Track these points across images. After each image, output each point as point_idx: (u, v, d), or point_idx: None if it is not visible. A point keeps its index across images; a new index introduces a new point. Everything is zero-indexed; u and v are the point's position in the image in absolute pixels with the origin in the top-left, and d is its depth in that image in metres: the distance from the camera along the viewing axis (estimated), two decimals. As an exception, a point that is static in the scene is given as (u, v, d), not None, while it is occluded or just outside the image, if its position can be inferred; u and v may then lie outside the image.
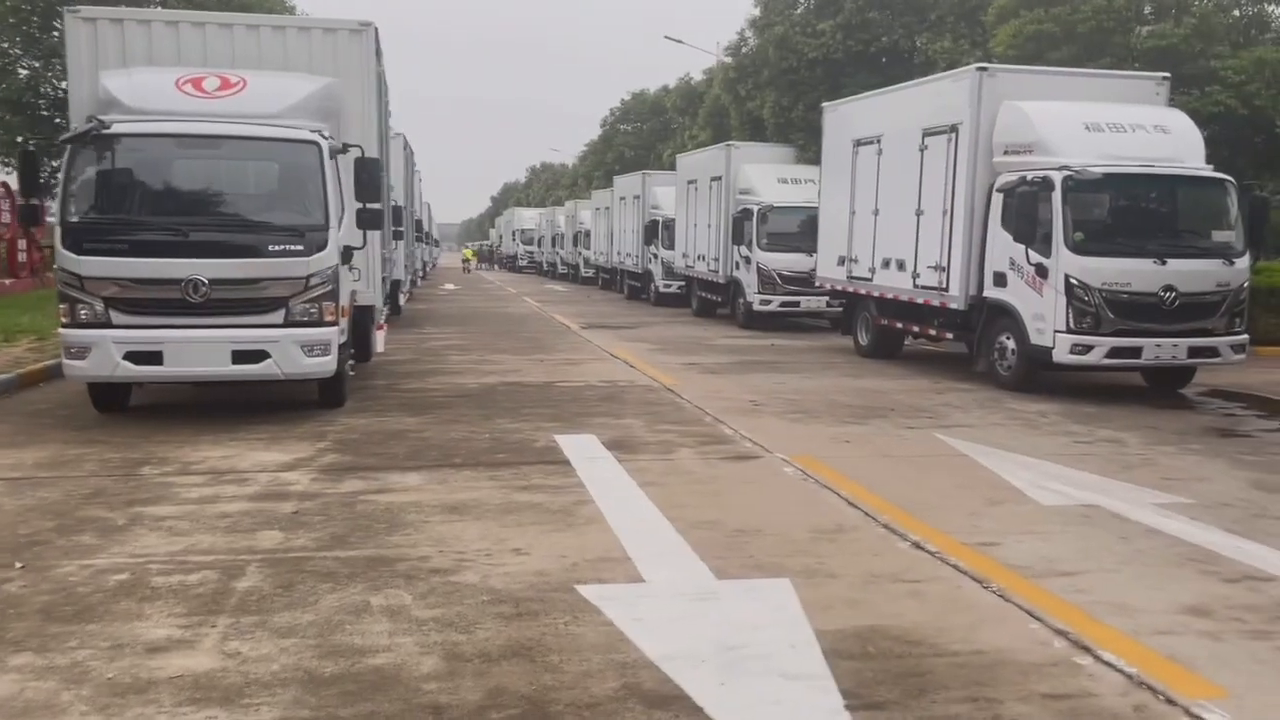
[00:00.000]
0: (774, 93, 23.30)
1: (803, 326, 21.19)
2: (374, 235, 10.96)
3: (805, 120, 22.96)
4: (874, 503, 6.78)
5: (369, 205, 9.75)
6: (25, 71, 20.41)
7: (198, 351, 9.02)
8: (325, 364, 9.40)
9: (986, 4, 19.67)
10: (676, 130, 37.90)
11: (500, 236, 77.28)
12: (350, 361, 10.57)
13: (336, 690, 3.86)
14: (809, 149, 22.84)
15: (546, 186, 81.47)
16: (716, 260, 22.46)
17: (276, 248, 9.16)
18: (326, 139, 9.55)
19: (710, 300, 23.51)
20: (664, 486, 7.16)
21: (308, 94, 9.98)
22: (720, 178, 22.23)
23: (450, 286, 40.38)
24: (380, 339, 11.72)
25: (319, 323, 9.34)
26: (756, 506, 6.68)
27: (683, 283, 26.09)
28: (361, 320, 11.36)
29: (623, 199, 32.71)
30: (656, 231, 27.89)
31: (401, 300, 22.06)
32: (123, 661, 4.10)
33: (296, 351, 9.23)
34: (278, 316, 9.21)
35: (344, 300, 9.77)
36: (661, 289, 27.76)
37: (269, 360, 9.15)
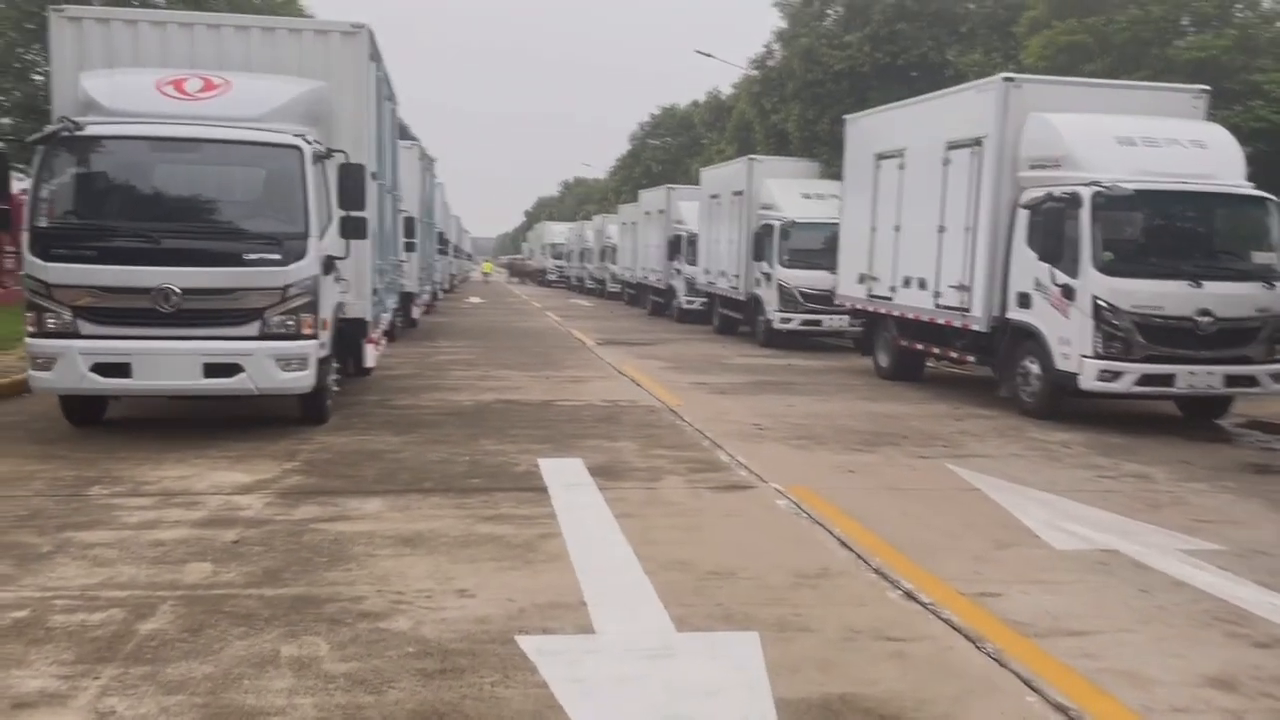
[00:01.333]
0: (799, 106, 22.75)
1: (824, 346, 20.56)
2: (364, 245, 10.51)
3: (830, 134, 22.37)
4: (868, 543, 6.19)
5: (353, 213, 9.31)
6: (40, 77, 20.31)
7: (168, 364, 8.61)
8: (302, 379, 8.95)
9: (1019, 16, 19.03)
10: (706, 145, 37.39)
11: (531, 251, 77.24)
12: (335, 376, 10.12)
13: (208, 763, 3.34)
14: (834, 164, 22.16)
15: (579, 201, 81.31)
16: (737, 277, 21.90)
17: (253, 256, 8.74)
18: (310, 143, 9.13)
19: (731, 318, 22.95)
20: (642, 519, 6.61)
21: (293, 97, 9.58)
22: (742, 192, 21.69)
23: (475, 300, 40.08)
24: (372, 353, 11.27)
25: (296, 335, 8.90)
26: (737, 545, 6.11)
27: (705, 299, 25.56)
28: (350, 333, 10.92)
29: (647, 213, 32.25)
30: (680, 247, 27.39)
31: (415, 313, 21.69)
32: (-19, 719, 3.62)
33: (272, 365, 8.79)
34: (253, 328, 8.78)
35: (326, 312, 9.33)
36: (684, 305, 27.23)
37: (242, 374, 8.72)
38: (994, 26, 20.05)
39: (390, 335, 18.89)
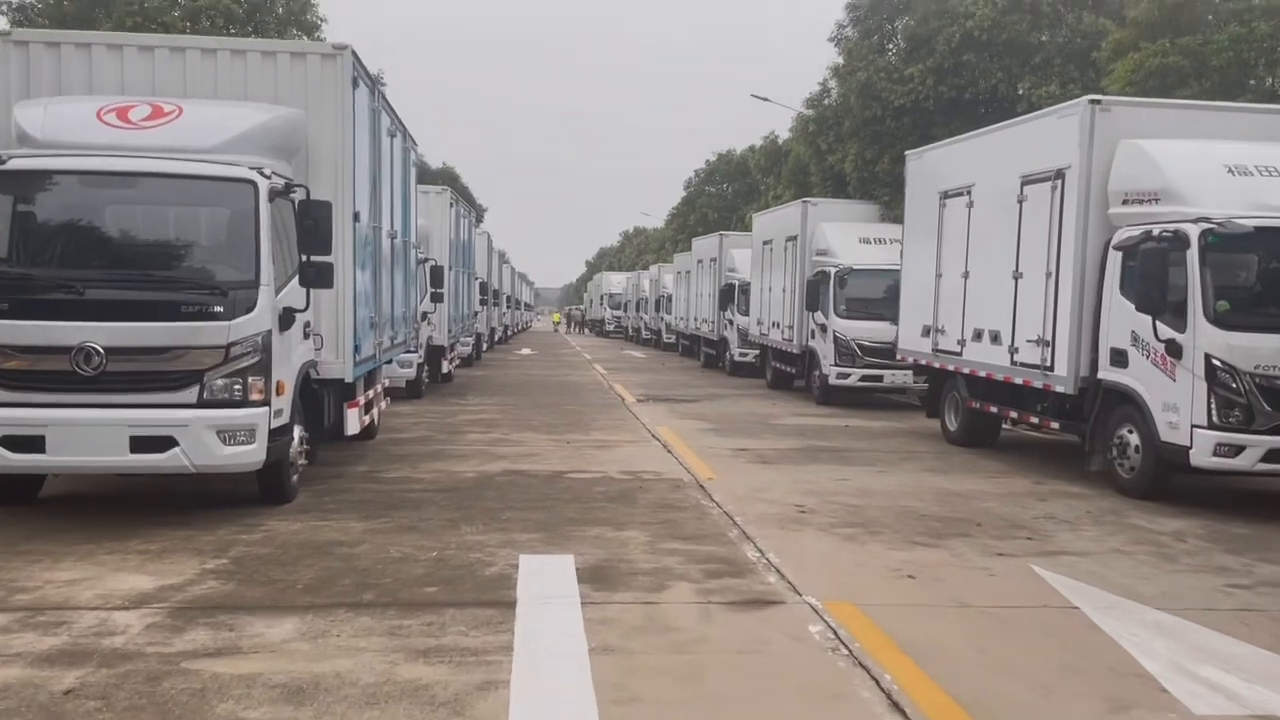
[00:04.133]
0: (857, 145, 21.16)
1: (886, 404, 18.75)
2: (344, 296, 9.15)
3: (891, 174, 20.73)
4: (929, 701, 4.50)
5: (315, 258, 7.92)
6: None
7: (89, 437, 7.26)
8: (248, 454, 7.54)
9: (1099, 44, 17.34)
10: (762, 191, 35.99)
11: (590, 301, 76.42)
12: (303, 448, 8.71)
13: None
14: (895, 206, 20.55)
15: (638, 251, 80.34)
16: (791, 328, 20.24)
17: (191, 309, 7.40)
18: (268, 178, 7.81)
19: (785, 371, 21.26)
20: (625, 656, 5.00)
21: (255, 125, 8.29)
22: (796, 237, 20.10)
23: (526, 351, 38.87)
24: (355, 419, 9.86)
25: (243, 402, 7.51)
26: (744, 704, 4.46)
27: (758, 351, 23.94)
28: (326, 396, 9.54)
29: (700, 262, 30.82)
30: (733, 296, 25.85)
31: (446, 367, 20.36)
32: None
33: (211, 438, 7.40)
34: (190, 394, 7.41)
35: (284, 374, 7.94)
36: (737, 358, 25.64)
37: (176, 450, 7.34)
38: (1071, 56, 18.34)
39: (416, 390, 17.71)
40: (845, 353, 17.97)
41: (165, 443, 7.33)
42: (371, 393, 11.11)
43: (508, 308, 47.95)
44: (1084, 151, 10.43)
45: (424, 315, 17.68)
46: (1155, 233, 9.49)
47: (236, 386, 7.48)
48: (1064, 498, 9.74)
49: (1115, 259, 10.10)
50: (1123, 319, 9.94)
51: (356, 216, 9.33)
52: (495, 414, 15.90)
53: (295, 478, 8.59)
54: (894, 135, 20.47)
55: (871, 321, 17.68)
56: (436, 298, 18.19)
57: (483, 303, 29.50)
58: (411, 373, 17.02)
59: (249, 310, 7.49)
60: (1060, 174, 10.79)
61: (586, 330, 70.65)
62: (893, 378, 17.66)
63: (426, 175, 29.11)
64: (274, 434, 7.80)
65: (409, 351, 15.33)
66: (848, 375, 17.94)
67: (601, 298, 64.75)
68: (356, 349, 9.43)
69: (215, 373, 7.42)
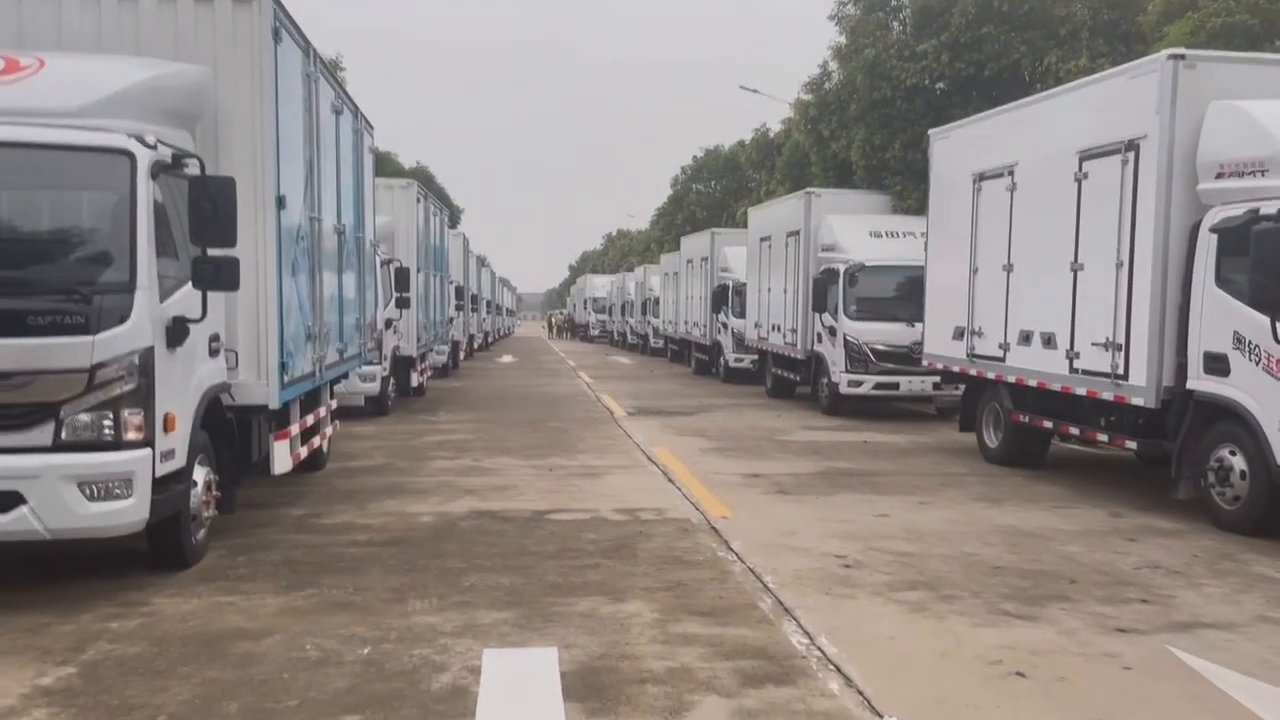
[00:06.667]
0: (863, 130, 19.35)
1: (902, 414, 16.98)
2: (263, 300, 7.29)
3: (903, 161, 18.95)
4: None
5: (211, 253, 6.06)
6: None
7: (-97, 494, 5.39)
8: (124, 512, 5.69)
9: (1133, 14, 15.70)
10: (753, 187, 34.21)
11: (574, 305, 74.59)
12: (211, 495, 6.84)
13: None
14: (908, 196, 18.81)
15: (622, 253, 78.44)
16: (794, 331, 18.44)
17: (41, 320, 5.54)
18: (152, 148, 5.96)
19: (786, 379, 19.46)
20: None
21: (136, 82, 6.42)
22: (798, 232, 18.31)
23: (507, 359, 36.94)
24: (283, 452, 7.97)
25: (115, 444, 5.65)
26: None
27: (756, 356, 22.15)
28: (257, 424, 7.70)
29: (690, 262, 29.02)
30: (726, 297, 24.08)
31: (416, 379, 18.46)
32: None
33: (71, 493, 5.55)
34: (42, 434, 5.57)
35: (176, 404, 6.08)
36: (732, 363, 23.86)
37: (22, 510, 5.51)
38: (1099, 29, 16.66)
39: (381, 407, 15.84)
40: (857, 358, 16.20)
41: (8, 500, 5.48)
42: (313, 417, 9.23)
43: (488, 313, 46.01)
44: (1165, 117, 8.69)
45: (388, 323, 15.83)
46: (1266, 211, 7.76)
47: (106, 423, 5.63)
48: (1155, 536, 7.98)
49: (1209, 244, 8.36)
50: (1221, 317, 8.19)
51: (281, 202, 7.45)
52: (468, 433, 14.03)
53: (201, 533, 6.73)
54: (905, 118, 18.69)
55: (885, 323, 15.99)
56: (403, 303, 16.33)
57: (459, 308, 27.63)
58: (374, 388, 15.14)
59: (121, 321, 5.64)
60: (1133, 145, 9.04)
61: (568, 335, 68.83)
62: (910, 385, 15.93)
63: (398, 174, 27.16)
64: (162, 483, 5.94)
65: (370, 364, 13.47)
66: (860, 383, 16.16)
67: (585, 302, 62.96)
68: (284, 367, 7.55)
69: (76, 405, 5.57)
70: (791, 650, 5.14)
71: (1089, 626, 5.61)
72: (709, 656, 5.02)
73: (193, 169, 6.16)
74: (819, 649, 5.15)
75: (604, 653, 5.06)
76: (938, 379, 14.73)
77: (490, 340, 48.01)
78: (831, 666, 4.90)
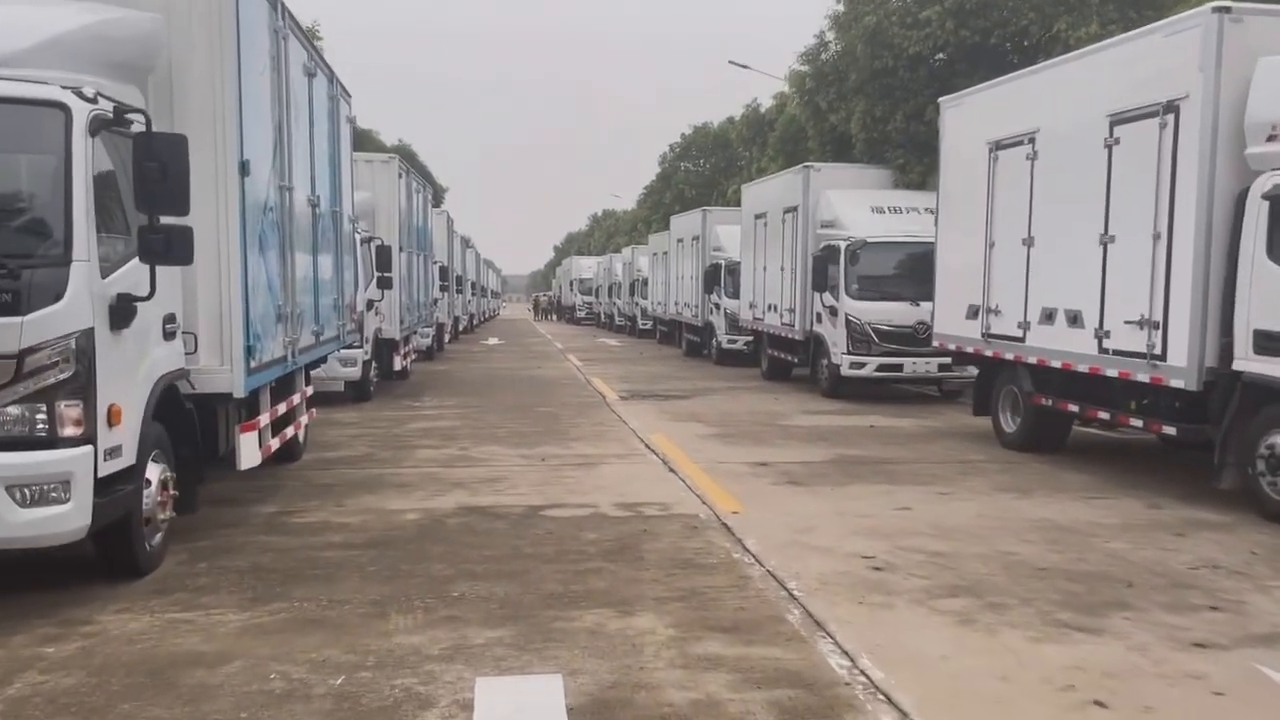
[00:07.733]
0: (864, 101, 18.58)
1: (905, 396, 16.36)
2: (227, 277, 6.54)
3: (905, 133, 18.21)
4: None
5: (158, 221, 5.30)
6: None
7: None
8: (60, 518, 4.96)
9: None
10: (744, 165, 33.40)
11: (560, 287, 73.74)
12: (168, 495, 6.11)
13: None
14: (910, 169, 18.09)
15: (608, 234, 77.48)
16: (792, 311, 17.76)
17: (-39, 299, 4.78)
18: (91, 101, 5.20)
19: (784, 360, 18.79)
20: None
21: (73, 29, 5.66)
22: (796, 208, 17.60)
23: (493, 341, 36.17)
24: (250, 445, 7.23)
25: (48, 440, 4.91)
26: None
27: (750, 338, 21.47)
28: (225, 414, 6.97)
29: (680, 241, 28.28)
30: (718, 277, 23.36)
31: (399, 362, 17.70)
32: None
33: (0, 499, 4.80)
34: (-36, 431, 4.81)
35: (122, 394, 5.34)
36: (725, 345, 23.18)
37: (-60, 517, 4.74)
38: (1109, -3, 16.01)
39: (363, 392, 15.10)
40: (859, 339, 15.53)
41: (-76, 507, 4.74)
42: (286, 405, 8.50)
43: (473, 295, 45.18)
44: (1209, 76, 8.02)
45: (370, 304, 15.07)
46: (1327, 175, 7.11)
47: (39, 417, 4.90)
48: (1203, 530, 7.35)
49: (1259, 212, 7.71)
50: (1274, 292, 7.55)
51: (245, 168, 6.68)
52: (454, 419, 13.31)
53: (157, 538, 6.00)
54: (908, 88, 17.94)
55: (889, 302, 15.35)
56: (385, 283, 15.55)
57: (443, 289, 26.83)
58: (355, 372, 14.39)
59: (55, 299, 4.90)
60: (1172, 107, 8.37)
61: (554, 317, 68.03)
62: (914, 366, 15.29)
63: (380, 151, 26.27)
64: (106, 484, 5.21)
65: (351, 347, 12.73)
66: (862, 365, 15.50)
67: (572, 283, 62.13)
68: (251, 351, 6.80)
69: (2, 396, 4.83)
70: (832, 676, 4.46)
71: (1161, 641, 4.96)
72: (738, 685, 4.33)
73: (138, 123, 5.39)
74: (863, 673, 4.48)
75: (615, 680, 4.37)
76: (944, 360, 14.14)
77: (475, 323, 47.22)
78: (881, 696, 4.23)
